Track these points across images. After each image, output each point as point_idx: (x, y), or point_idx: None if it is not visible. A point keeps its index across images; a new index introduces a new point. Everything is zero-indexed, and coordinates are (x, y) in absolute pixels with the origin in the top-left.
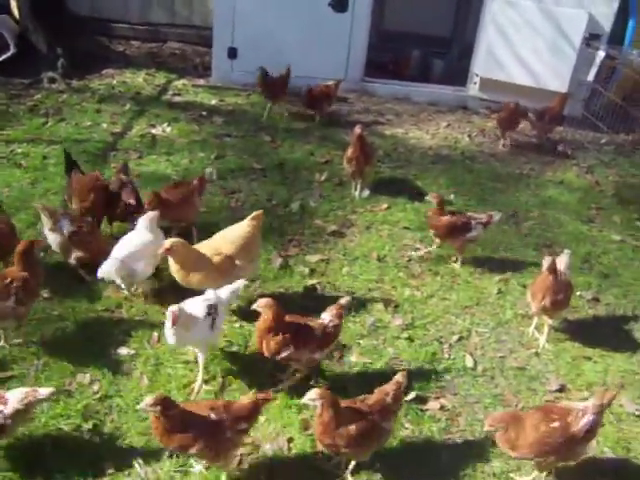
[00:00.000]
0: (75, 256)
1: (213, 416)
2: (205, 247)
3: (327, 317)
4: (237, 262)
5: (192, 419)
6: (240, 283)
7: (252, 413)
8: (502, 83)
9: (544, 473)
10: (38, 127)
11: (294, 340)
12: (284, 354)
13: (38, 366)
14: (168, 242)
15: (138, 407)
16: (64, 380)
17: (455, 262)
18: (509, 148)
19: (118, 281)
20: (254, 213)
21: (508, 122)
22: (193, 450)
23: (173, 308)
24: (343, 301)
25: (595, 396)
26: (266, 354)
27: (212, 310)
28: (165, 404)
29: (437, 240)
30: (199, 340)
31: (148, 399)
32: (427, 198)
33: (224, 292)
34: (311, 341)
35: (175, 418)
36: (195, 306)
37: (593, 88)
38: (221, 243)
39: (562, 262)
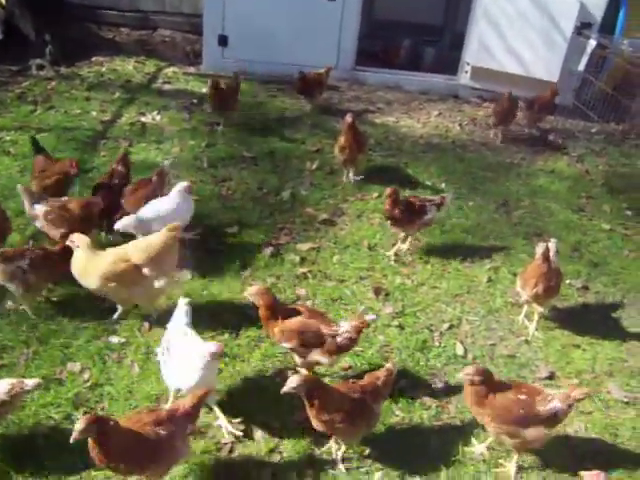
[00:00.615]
0: (57, 234)
1: (161, 431)
2: (113, 253)
3: (345, 326)
4: (145, 271)
5: (135, 440)
6: (181, 305)
7: (195, 411)
8: (493, 72)
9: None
10: (26, 115)
11: (299, 334)
12: (286, 345)
13: (28, 355)
14: (74, 236)
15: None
16: (54, 369)
17: (403, 243)
18: (501, 140)
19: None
20: (170, 225)
21: (504, 115)
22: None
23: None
24: (369, 318)
25: (569, 388)
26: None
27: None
28: (100, 425)
29: (393, 229)
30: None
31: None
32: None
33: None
34: (317, 342)
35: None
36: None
37: (584, 77)
38: (132, 251)
39: (550, 250)
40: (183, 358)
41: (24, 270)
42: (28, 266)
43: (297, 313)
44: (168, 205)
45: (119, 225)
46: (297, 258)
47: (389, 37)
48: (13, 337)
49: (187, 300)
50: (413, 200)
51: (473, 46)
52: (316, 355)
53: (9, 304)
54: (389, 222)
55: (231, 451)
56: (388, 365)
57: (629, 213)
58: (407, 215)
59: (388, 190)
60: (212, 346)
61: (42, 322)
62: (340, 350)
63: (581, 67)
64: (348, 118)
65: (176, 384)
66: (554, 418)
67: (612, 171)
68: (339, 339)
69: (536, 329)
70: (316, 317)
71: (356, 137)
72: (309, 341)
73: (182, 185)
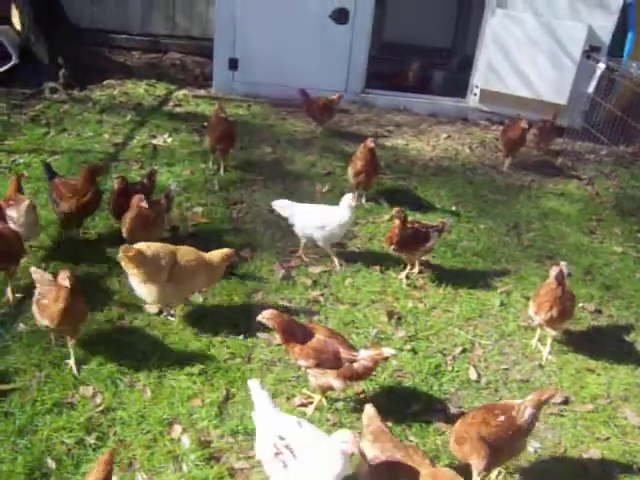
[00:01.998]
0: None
1: None
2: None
3: (364, 354)
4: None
5: None
6: (256, 387)
7: None
8: (502, 95)
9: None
10: (40, 137)
11: (317, 352)
12: (302, 363)
13: (40, 378)
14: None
15: None
16: (66, 392)
17: (413, 267)
18: (512, 168)
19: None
20: (229, 252)
21: (515, 141)
22: None
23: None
24: (387, 353)
25: (534, 393)
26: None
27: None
28: None
29: (397, 252)
30: None
31: None
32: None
33: None
34: (334, 364)
35: None
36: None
37: (593, 100)
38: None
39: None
40: (314, 461)
41: None
42: None
43: (317, 332)
44: (341, 217)
45: (277, 203)
46: (309, 281)
47: (398, 60)
48: (25, 360)
49: (259, 381)
50: (418, 226)
51: (482, 69)
52: (330, 378)
53: (21, 327)
54: (393, 246)
55: (246, 477)
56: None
57: None
58: (413, 240)
59: (395, 211)
60: (345, 443)
61: (54, 346)
62: (355, 377)
63: (590, 90)
64: (370, 143)
65: None
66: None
67: (622, 193)
68: (356, 365)
69: (550, 353)
70: (336, 339)
71: (373, 161)
72: (326, 362)
73: (349, 197)
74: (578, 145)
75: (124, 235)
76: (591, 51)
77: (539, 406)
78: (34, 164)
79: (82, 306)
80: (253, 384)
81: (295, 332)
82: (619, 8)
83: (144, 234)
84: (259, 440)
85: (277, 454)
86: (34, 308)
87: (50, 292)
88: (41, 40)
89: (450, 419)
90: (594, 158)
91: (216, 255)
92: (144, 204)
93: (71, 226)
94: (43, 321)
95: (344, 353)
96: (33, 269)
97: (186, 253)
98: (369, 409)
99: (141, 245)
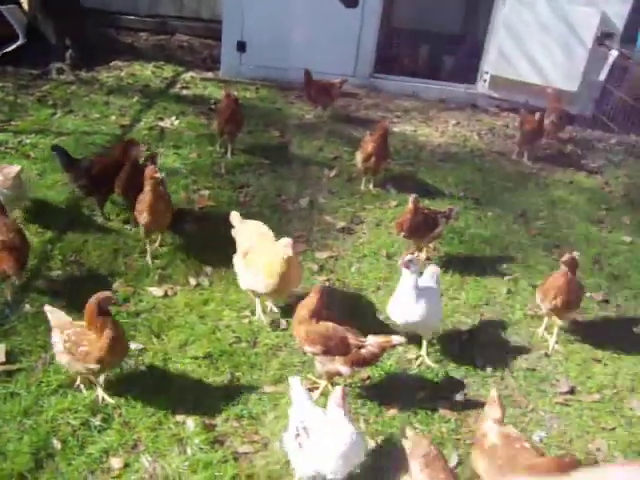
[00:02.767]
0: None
1: None
2: None
3: (371, 340)
4: None
5: None
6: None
7: None
8: (512, 81)
9: None
10: (46, 118)
11: (325, 338)
12: (309, 349)
13: (46, 359)
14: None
15: None
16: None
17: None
18: (528, 158)
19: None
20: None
21: (532, 135)
22: None
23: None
24: (396, 340)
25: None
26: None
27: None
28: None
29: (407, 238)
30: None
31: None
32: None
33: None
34: (341, 350)
35: None
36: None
37: (604, 87)
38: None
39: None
40: (325, 441)
41: None
42: None
43: (326, 319)
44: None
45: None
46: (315, 266)
47: (408, 45)
48: (31, 341)
49: (298, 378)
50: (427, 212)
51: (492, 55)
52: (338, 364)
53: (27, 307)
54: (404, 231)
55: (250, 462)
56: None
57: None
58: (423, 226)
59: (412, 198)
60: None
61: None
62: (362, 363)
63: (602, 77)
64: (385, 123)
65: (318, 469)
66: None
67: (632, 183)
68: (364, 351)
69: (556, 342)
70: (344, 325)
71: (384, 145)
72: (334, 348)
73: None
74: (588, 133)
75: (142, 214)
76: (604, 38)
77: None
78: (40, 145)
79: (124, 339)
80: (294, 381)
81: (317, 314)
82: None
83: (161, 210)
84: (288, 431)
85: (297, 436)
86: (63, 358)
87: (83, 335)
88: (49, 20)
89: (455, 407)
90: (604, 147)
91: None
92: (158, 174)
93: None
94: (86, 366)
95: (352, 339)
96: (48, 308)
97: None
98: (413, 435)
99: None
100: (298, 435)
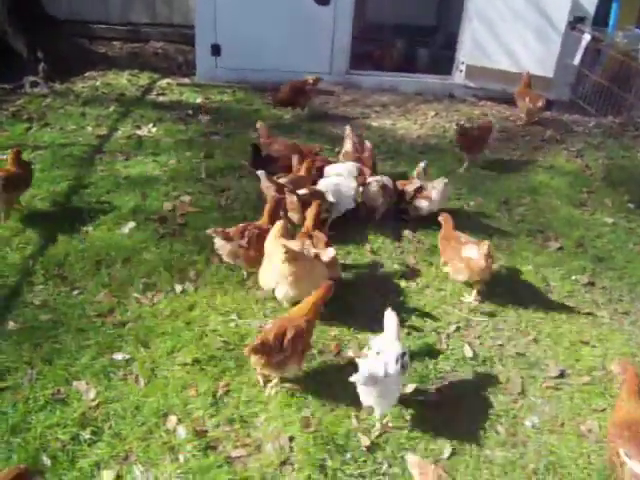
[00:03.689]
0: None
1: None
2: None
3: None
4: None
5: None
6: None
7: None
8: (488, 70)
9: None
10: (22, 133)
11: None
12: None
13: (32, 375)
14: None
15: None
16: (59, 388)
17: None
18: (467, 167)
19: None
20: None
21: (473, 143)
22: None
23: None
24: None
25: None
26: None
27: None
28: None
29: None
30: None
31: None
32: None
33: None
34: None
35: None
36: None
37: (579, 71)
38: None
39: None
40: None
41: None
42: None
43: None
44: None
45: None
46: None
47: (382, 40)
48: (16, 358)
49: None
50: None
51: (467, 45)
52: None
53: (11, 325)
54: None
55: (244, 465)
56: None
57: (631, 206)
58: None
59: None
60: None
61: (45, 342)
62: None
63: (576, 61)
64: (368, 144)
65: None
66: None
67: (612, 164)
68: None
69: (475, 300)
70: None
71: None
72: None
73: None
74: (566, 117)
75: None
76: (576, 22)
77: None
78: None
79: None
80: (390, 314)
81: None
82: None
83: None
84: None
85: (397, 361)
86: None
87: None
88: (18, 34)
89: (447, 397)
90: (582, 130)
91: None
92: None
93: None
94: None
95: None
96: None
97: None
98: (417, 461)
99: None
100: (401, 361)
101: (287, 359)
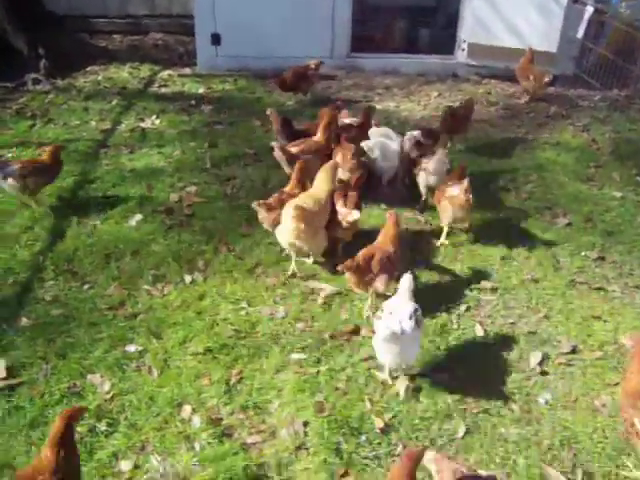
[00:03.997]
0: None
1: None
2: None
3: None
4: None
5: None
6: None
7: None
8: (491, 47)
9: None
10: (26, 130)
11: None
12: None
13: (47, 370)
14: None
15: None
16: (74, 382)
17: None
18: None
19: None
20: None
21: (461, 122)
22: None
23: None
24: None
25: None
26: None
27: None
28: None
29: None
30: None
31: None
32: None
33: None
34: None
35: None
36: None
37: (583, 45)
38: None
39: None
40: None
41: None
42: None
43: None
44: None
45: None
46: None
47: (383, 21)
48: (31, 354)
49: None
50: None
51: (468, 22)
52: None
53: (24, 321)
54: None
55: (259, 451)
56: None
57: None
58: None
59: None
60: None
61: (58, 336)
62: None
63: (579, 35)
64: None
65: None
66: None
67: (619, 138)
68: None
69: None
70: None
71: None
72: None
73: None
74: (571, 92)
75: None
76: None
77: None
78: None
79: None
80: (407, 277)
81: None
82: None
83: None
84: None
85: (377, 317)
86: None
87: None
88: (18, 31)
89: (459, 377)
90: (588, 104)
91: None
92: None
93: None
94: None
95: None
96: None
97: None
98: (434, 456)
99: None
100: (414, 316)
101: (374, 278)
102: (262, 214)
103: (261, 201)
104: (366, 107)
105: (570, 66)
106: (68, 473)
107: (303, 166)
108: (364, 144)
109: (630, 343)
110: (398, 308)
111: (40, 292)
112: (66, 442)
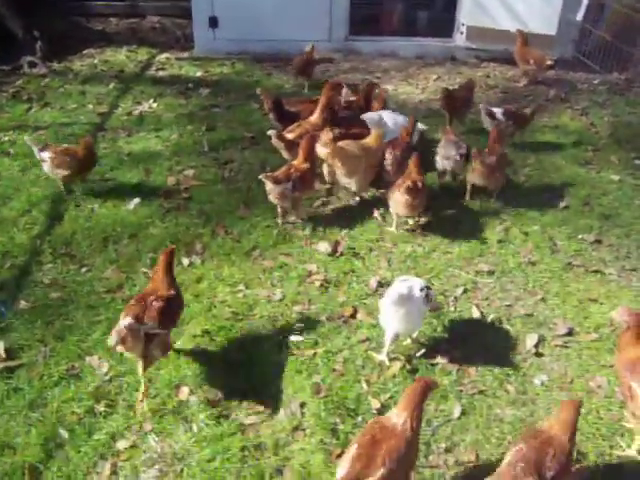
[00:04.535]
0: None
1: None
2: None
3: None
4: None
5: None
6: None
7: None
8: (489, 30)
9: None
10: (22, 114)
11: None
12: None
13: (46, 352)
14: None
15: None
16: (73, 364)
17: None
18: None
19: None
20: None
21: (462, 103)
22: None
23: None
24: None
25: None
26: None
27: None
28: None
29: None
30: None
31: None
32: None
33: None
34: None
35: None
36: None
37: (583, 28)
38: None
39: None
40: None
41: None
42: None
43: None
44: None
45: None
46: (307, 232)
47: (381, 3)
48: (29, 336)
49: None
50: None
51: (467, 5)
52: None
53: (22, 304)
54: None
55: (257, 432)
56: None
57: (638, 162)
58: None
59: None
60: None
61: (57, 319)
62: None
63: (579, 17)
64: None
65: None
66: None
67: (618, 121)
68: None
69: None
70: None
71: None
72: None
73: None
74: (570, 76)
75: None
76: None
77: None
78: (19, 141)
79: None
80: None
81: None
82: None
83: None
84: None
85: (422, 291)
86: None
87: None
88: (14, 14)
89: (455, 359)
90: (587, 88)
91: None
92: None
93: None
94: None
95: None
96: None
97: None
98: None
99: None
100: (426, 291)
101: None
102: (269, 186)
103: (268, 173)
104: (368, 83)
105: (569, 49)
106: (178, 293)
107: (310, 141)
108: (364, 116)
109: (623, 317)
110: (411, 280)
111: (38, 275)
112: (171, 270)
